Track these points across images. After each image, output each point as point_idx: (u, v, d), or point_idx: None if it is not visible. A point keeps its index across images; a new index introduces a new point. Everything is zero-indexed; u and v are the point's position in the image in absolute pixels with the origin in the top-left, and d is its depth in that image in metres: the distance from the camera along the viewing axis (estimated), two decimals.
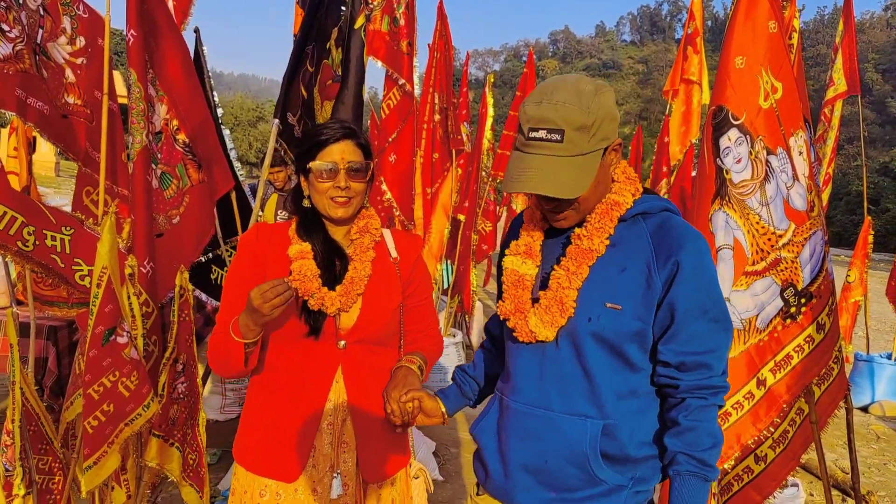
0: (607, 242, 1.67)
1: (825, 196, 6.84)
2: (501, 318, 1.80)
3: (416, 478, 2.19)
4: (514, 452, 1.73)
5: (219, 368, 1.98)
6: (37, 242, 2.41)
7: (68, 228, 2.61)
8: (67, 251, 2.57)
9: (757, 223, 2.23)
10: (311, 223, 2.04)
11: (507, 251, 1.85)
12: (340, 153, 1.95)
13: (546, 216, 1.74)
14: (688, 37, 7.61)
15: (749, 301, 2.23)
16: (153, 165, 2.76)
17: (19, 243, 2.33)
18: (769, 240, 2.23)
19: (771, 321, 2.25)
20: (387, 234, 2.15)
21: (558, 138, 1.57)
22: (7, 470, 2.66)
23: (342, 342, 1.97)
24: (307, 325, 1.93)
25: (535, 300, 1.72)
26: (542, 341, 1.70)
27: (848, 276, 6.90)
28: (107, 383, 2.42)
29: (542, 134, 1.59)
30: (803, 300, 2.25)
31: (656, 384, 1.69)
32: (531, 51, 7.45)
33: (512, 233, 1.91)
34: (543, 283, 1.73)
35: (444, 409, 1.96)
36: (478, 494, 1.90)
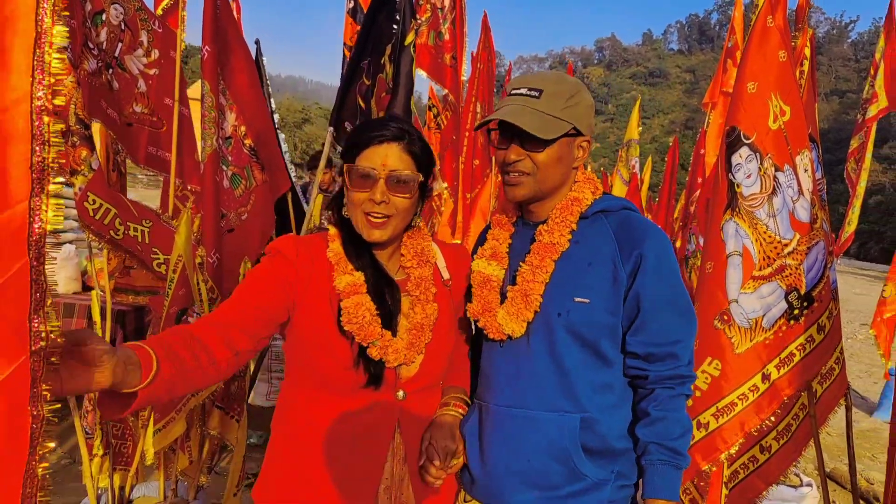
0: (570, 237, 1.72)
1: (856, 210, 6.92)
2: (471, 318, 1.81)
3: None
4: (495, 455, 1.72)
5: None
6: (125, 232, 2.74)
7: (147, 221, 2.94)
8: (147, 241, 2.89)
9: (764, 232, 2.45)
10: (357, 242, 1.71)
11: (475, 255, 1.88)
12: (383, 157, 1.62)
13: (504, 181, 1.77)
14: (728, 50, 7.64)
15: (756, 303, 2.45)
16: (224, 167, 3.08)
17: (111, 232, 2.66)
18: (775, 248, 2.45)
19: (776, 322, 2.46)
20: (436, 251, 1.85)
21: (536, 95, 1.68)
22: (87, 433, 2.99)
23: (401, 392, 1.68)
24: (366, 374, 1.62)
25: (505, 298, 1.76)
26: (512, 339, 1.72)
27: (884, 291, 6.86)
28: None
29: (522, 91, 1.71)
30: (805, 303, 2.46)
31: (627, 376, 1.73)
32: (570, 63, 7.68)
33: (481, 239, 1.95)
34: (512, 281, 1.76)
35: None
36: (465, 501, 1.85)
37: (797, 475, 4.11)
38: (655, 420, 1.65)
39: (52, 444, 1.21)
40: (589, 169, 1.85)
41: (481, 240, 1.95)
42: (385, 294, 1.70)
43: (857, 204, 7.10)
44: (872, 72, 7.06)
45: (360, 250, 1.71)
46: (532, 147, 1.69)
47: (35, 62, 1.19)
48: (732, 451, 2.48)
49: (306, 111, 72.27)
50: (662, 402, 1.65)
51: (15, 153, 1.17)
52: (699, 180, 7.19)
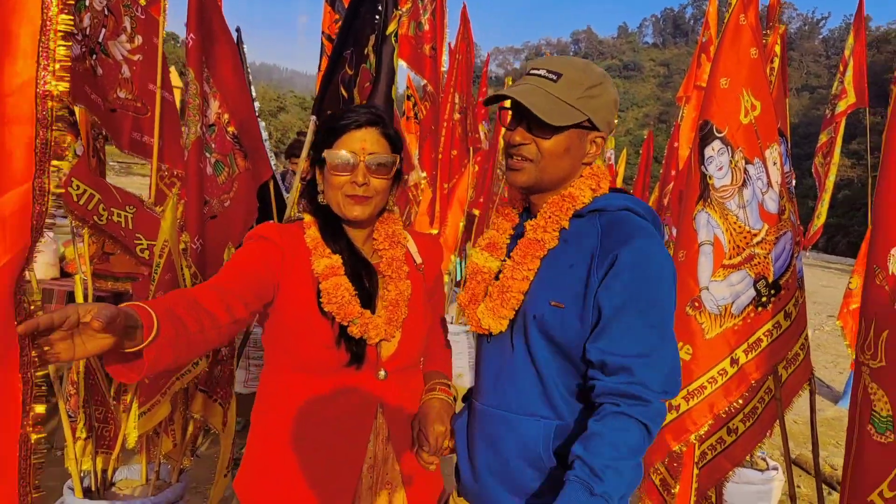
0: (557, 235, 1.61)
1: (825, 204, 7.09)
2: (460, 307, 1.79)
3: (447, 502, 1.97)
4: (480, 455, 1.68)
5: None
6: (109, 217, 2.77)
7: (131, 207, 2.97)
8: (130, 227, 2.92)
9: (734, 223, 2.55)
10: (333, 227, 1.78)
11: (475, 245, 1.83)
12: (361, 142, 1.68)
13: (506, 164, 1.67)
14: (702, 45, 7.71)
15: (725, 290, 2.55)
16: (207, 154, 3.11)
17: (95, 217, 2.69)
18: (744, 237, 2.55)
19: (745, 308, 2.57)
20: (407, 236, 1.91)
21: (554, 78, 1.57)
22: (70, 417, 3.02)
23: (382, 372, 1.73)
24: (347, 353, 1.66)
25: None
26: (495, 336, 1.67)
27: (850, 283, 6.97)
28: None
29: (541, 72, 1.59)
30: (773, 291, 2.57)
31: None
32: (548, 55, 7.74)
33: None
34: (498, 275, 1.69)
35: None
36: (459, 495, 1.83)
37: (764, 459, 4.24)
38: (590, 434, 1.43)
39: (42, 408, 1.27)
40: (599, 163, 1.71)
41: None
42: (362, 276, 1.74)
43: (825, 198, 7.27)
44: (842, 69, 7.22)
45: (336, 235, 1.76)
46: (539, 132, 1.58)
47: (40, 48, 1.23)
48: (702, 431, 2.59)
49: (281, 99, 71.54)
50: (603, 418, 1.44)
51: (21, 135, 1.22)
52: (672, 173, 7.30)
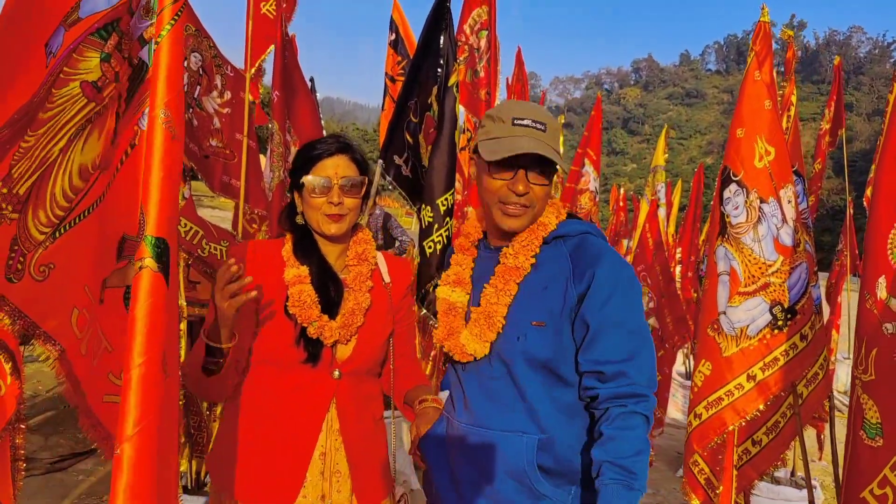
0: (532, 261, 1.77)
1: None
2: (436, 343, 1.91)
3: (400, 501, 2.11)
4: (462, 471, 1.78)
5: (193, 383, 1.88)
6: (209, 251, 3.24)
7: (224, 241, 3.44)
8: (225, 258, 3.38)
9: (749, 255, 2.87)
10: (306, 243, 1.98)
11: (439, 281, 1.99)
12: (334, 168, 1.89)
13: (503, 210, 1.78)
14: None
15: (742, 314, 2.87)
16: (289, 195, 3.56)
17: (199, 250, 3.16)
18: (759, 268, 2.86)
19: (761, 330, 2.86)
20: (380, 258, 2.11)
21: (542, 128, 1.72)
22: None
23: (337, 372, 1.91)
24: (305, 352, 1.88)
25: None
26: (477, 361, 1.79)
27: None
28: None
29: (527, 122, 1.72)
30: (789, 315, 2.86)
31: (582, 399, 1.72)
32: (599, 96, 8.06)
33: (446, 264, 2.04)
34: (476, 303, 1.83)
35: None
36: None
37: (804, 479, 4.45)
38: (608, 439, 1.60)
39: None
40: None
41: (446, 265, 2.06)
42: (329, 286, 1.94)
43: None
44: (891, 99, 7.33)
45: (308, 250, 1.97)
46: (536, 179, 1.75)
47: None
48: (719, 440, 2.89)
49: (344, 132, 72.98)
50: (614, 421, 1.61)
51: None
52: None
